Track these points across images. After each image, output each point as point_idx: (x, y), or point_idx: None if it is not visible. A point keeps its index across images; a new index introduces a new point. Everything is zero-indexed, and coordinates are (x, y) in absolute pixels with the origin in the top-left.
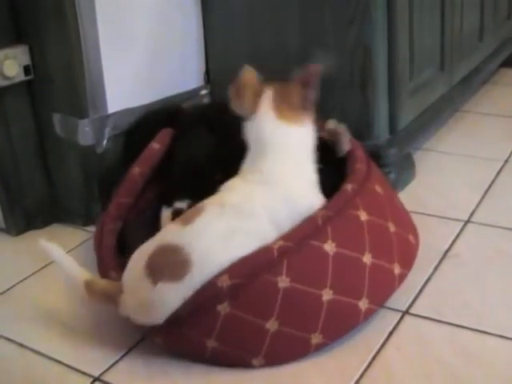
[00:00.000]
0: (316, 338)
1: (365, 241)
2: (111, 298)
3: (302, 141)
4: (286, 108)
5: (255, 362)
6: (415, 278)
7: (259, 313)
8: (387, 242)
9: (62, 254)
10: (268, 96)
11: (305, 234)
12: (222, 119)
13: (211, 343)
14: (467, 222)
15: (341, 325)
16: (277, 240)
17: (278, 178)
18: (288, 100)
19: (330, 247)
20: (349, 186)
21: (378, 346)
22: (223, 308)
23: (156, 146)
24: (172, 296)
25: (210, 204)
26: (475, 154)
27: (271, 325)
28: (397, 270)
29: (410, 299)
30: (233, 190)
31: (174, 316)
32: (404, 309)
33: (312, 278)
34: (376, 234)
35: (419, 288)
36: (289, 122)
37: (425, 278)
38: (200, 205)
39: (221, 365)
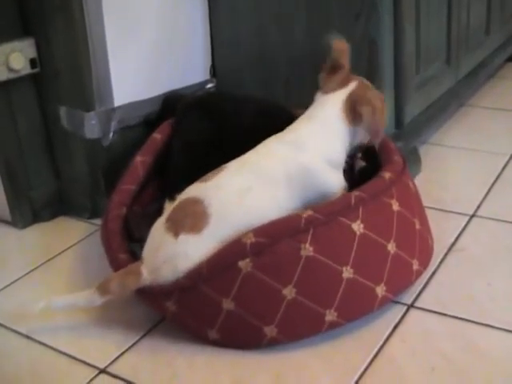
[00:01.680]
0: (330, 315)
1: (392, 230)
2: (133, 276)
3: (348, 136)
4: (351, 107)
5: (267, 330)
6: None
7: (279, 277)
8: (412, 237)
9: (62, 299)
10: (351, 87)
11: (335, 210)
12: (218, 104)
13: (227, 304)
14: (473, 216)
15: (356, 306)
16: (307, 210)
17: (308, 143)
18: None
19: (357, 227)
20: (387, 175)
21: (383, 338)
22: (244, 265)
23: (157, 136)
24: (194, 248)
25: (234, 162)
26: (481, 148)
27: (288, 291)
28: (415, 265)
29: (416, 293)
30: (261, 149)
31: (194, 272)
32: (409, 302)
33: (335, 252)
34: (403, 226)
35: (424, 282)
36: (347, 118)
37: (430, 272)
38: (224, 165)
39: (230, 337)
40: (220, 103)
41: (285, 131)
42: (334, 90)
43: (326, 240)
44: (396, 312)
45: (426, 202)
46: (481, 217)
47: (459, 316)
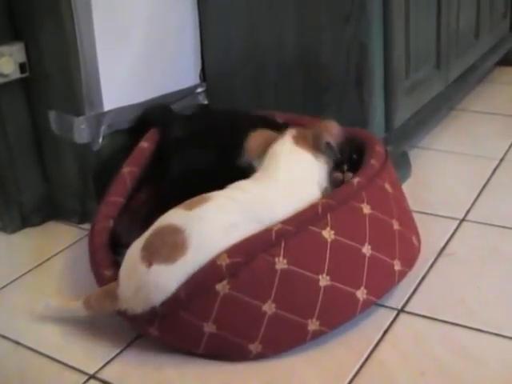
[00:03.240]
0: (313, 325)
1: (365, 232)
2: (110, 298)
3: (312, 166)
4: (302, 141)
5: (252, 347)
6: (410, 276)
7: (257, 294)
8: (389, 238)
9: (57, 303)
10: (290, 133)
11: (304, 219)
12: (213, 135)
13: (209, 327)
14: (463, 220)
15: (338, 312)
16: (276, 223)
17: (286, 185)
18: (305, 139)
19: (328, 234)
20: (355, 180)
21: (374, 343)
22: (222, 287)
23: (145, 144)
24: (167, 279)
25: (218, 195)
26: (471, 152)
27: (268, 307)
28: (397, 266)
29: (406, 297)
30: (241, 189)
31: (172, 299)
32: (399, 307)
33: (309, 262)
34: (378, 228)
35: (414, 286)
36: (304, 149)
37: (420, 276)
38: (207, 195)
39: (217, 354)
40: (215, 134)
41: (263, 176)
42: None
43: (299, 250)
44: (386, 317)
45: (415, 206)
46: (470, 221)
47: (449, 320)
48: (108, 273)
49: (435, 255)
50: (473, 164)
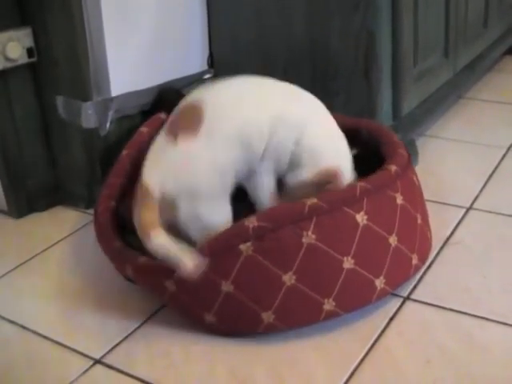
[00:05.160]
0: (329, 304)
1: (395, 223)
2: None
3: None
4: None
5: (264, 316)
6: None
7: (279, 263)
8: (413, 231)
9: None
10: None
11: (340, 199)
12: None
13: (226, 286)
14: (469, 208)
15: (355, 297)
16: (311, 198)
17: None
18: None
19: (361, 218)
20: (393, 168)
21: (379, 330)
22: (246, 248)
23: (144, 129)
24: (196, 151)
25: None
26: (478, 140)
27: (288, 278)
28: (415, 260)
29: (412, 285)
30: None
31: (198, 252)
32: (405, 294)
33: (337, 242)
34: (406, 220)
35: (421, 274)
36: None
37: (426, 264)
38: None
39: (227, 322)
40: None
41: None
42: None
43: (329, 229)
44: (392, 304)
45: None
46: (478, 209)
47: (455, 308)
48: (117, 244)
49: (442, 243)
50: (480, 152)
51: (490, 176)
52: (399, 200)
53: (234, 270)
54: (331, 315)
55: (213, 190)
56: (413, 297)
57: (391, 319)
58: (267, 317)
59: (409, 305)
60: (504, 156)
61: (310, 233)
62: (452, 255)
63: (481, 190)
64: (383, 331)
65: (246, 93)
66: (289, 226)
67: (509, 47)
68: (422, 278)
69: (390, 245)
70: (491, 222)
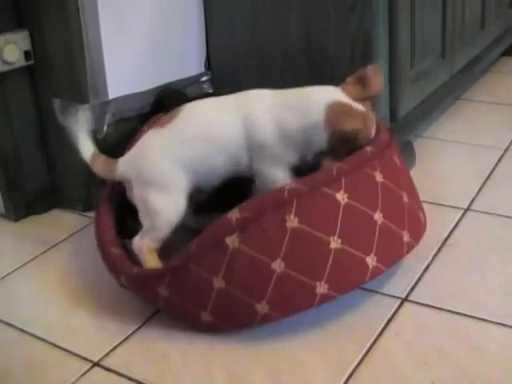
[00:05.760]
0: (321, 287)
1: (377, 200)
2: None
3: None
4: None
5: (259, 307)
6: (414, 265)
7: (266, 251)
8: (399, 208)
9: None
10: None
11: (318, 180)
12: None
13: (218, 283)
14: (467, 210)
15: (347, 277)
16: (290, 183)
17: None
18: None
19: (341, 197)
20: (368, 149)
21: (377, 332)
22: (231, 241)
23: (145, 128)
24: (154, 142)
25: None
26: (475, 142)
27: (277, 265)
28: (406, 237)
29: (409, 286)
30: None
31: (184, 252)
32: (403, 296)
33: (321, 222)
34: (389, 197)
35: (418, 275)
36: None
37: (424, 266)
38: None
39: (225, 314)
40: None
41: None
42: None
43: (311, 211)
44: (390, 306)
45: (420, 196)
46: (475, 211)
47: (453, 310)
48: (115, 250)
49: (439, 245)
50: (477, 154)
51: (488, 177)
52: (379, 178)
53: (223, 265)
54: (326, 298)
55: (164, 180)
56: (410, 298)
57: (389, 321)
58: (262, 308)
59: (406, 306)
60: (501, 157)
61: (292, 216)
62: (449, 256)
63: (478, 192)
64: (381, 332)
65: (219, 102)
66: (271, 212)
67: (506, 48)
68: (419, 279)
69: (376, 221)
70: (489, 223)
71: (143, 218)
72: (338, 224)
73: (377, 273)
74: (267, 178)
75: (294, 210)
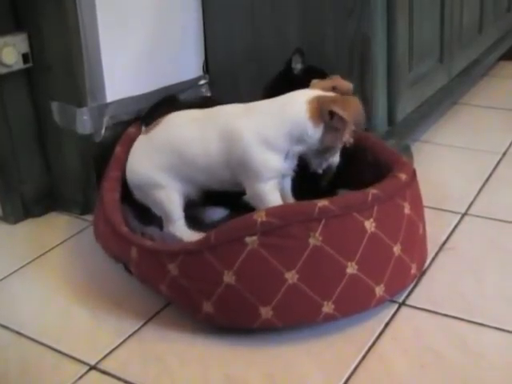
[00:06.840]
0: (327, 307)
1: (400, 232)
2: None
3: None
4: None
5: (263, 311)
6: None
7: (283, 260)
8: (415, 241)
9: None
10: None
11: (351, 204)
12: None
13: (228, 277)
14: (464, 214)
15: (354, 302)
16: (324, 200)
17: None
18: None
19: (369, 225)
20: (403, 176)
21: (375, 336)
22: (251, 241)
23: (132, 129)
24: (137, 145)
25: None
26: (473, 146)
27: (291, 276)
28: (413, 269)
29: (407, 291)
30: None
31: (203, 239)
32: (401, 300)
33: (343, 246)
34: (410, 229)
35: (416, 280)
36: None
37: (421, 270)
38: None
39: (227, 310)
40: None
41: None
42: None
43: (337, 233)
44: (387, 310)
45: None
46: (473, 215)
47: (450, 314)
48: (125, 228)
49: (437, 249)
50: (475, 158)
51: (486, 181)
52: (407, 210)
53: (238, 261)
54: (329, 318)
55: (149, 181)
56: (408, 302)
57: (386, 325)
58: (265, 312)
59: (404, 310)
60: (499, 161)
61: (317, 234)
62: (447, 261)
63: (476, 196)
64: (378, 336)
65: (197, 115)
66: (297, 224)
67: (504, 52)
68: (417, 283)
69: (394, 254)
70: (486, 228)
71: (155, 211)
72: (360, 251)
73: (381, 301)
74: (255, 195)
75: (320, 229)
